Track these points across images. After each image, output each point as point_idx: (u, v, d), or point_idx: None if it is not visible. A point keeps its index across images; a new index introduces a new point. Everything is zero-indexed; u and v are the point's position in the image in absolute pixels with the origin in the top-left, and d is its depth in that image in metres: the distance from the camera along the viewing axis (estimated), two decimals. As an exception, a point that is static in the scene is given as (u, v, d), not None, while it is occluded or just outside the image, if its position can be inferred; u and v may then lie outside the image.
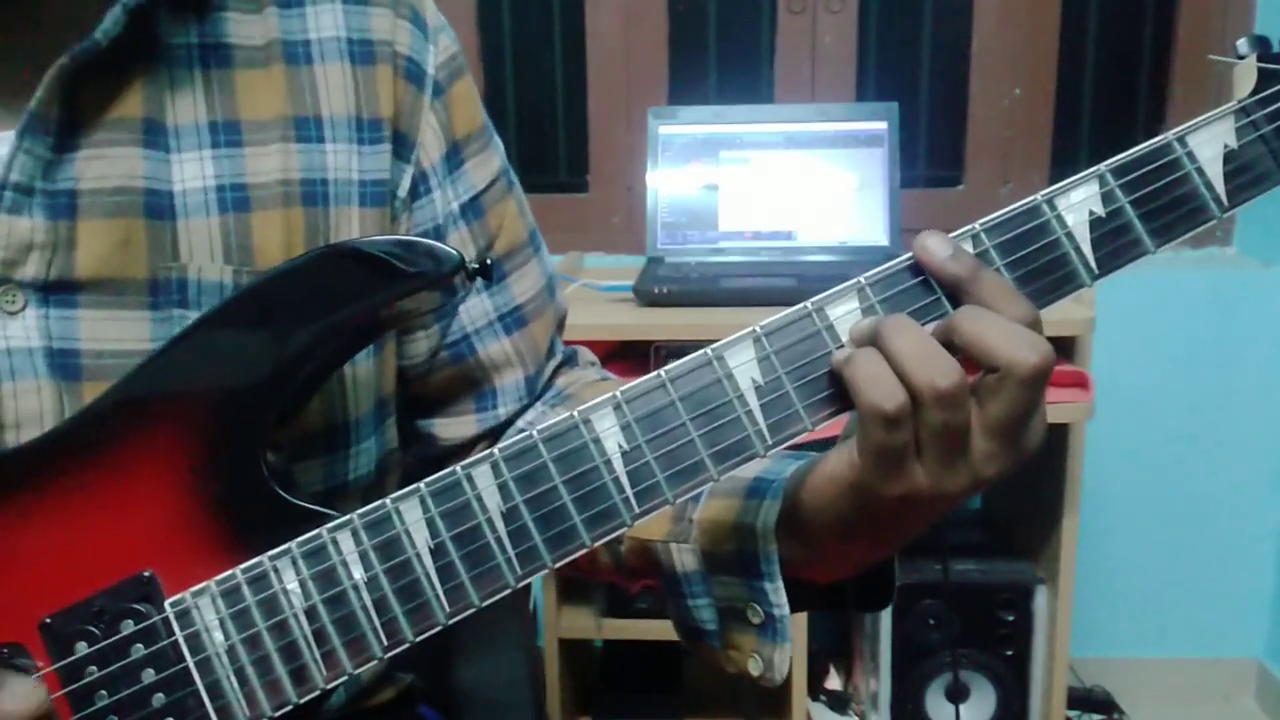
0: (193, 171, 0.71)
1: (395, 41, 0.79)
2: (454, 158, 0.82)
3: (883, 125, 2.01)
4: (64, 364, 0.69)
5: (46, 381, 0.68)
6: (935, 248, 0.60)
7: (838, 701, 2.17)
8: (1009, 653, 1.95)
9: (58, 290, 0.68)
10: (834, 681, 2.22)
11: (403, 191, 0.80)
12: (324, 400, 0.77)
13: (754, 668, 0.68)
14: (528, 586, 1.70)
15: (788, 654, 0.67)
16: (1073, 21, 2.32)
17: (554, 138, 2.41)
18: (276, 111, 0.74)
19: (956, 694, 1.94)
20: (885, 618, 1.96)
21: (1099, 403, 1.73)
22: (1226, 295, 2.27)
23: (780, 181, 2.02)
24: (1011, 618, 1.94)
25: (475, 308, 0.84)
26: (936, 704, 1.98)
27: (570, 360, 0.92)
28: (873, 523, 0.63)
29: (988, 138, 2.34)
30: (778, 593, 0.66)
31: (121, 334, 0.68)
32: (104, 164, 0.69)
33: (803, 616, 1.86)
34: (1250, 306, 2.27)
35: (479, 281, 0.81)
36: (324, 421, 0.77)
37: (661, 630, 1.90)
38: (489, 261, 0.69)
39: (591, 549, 0.61)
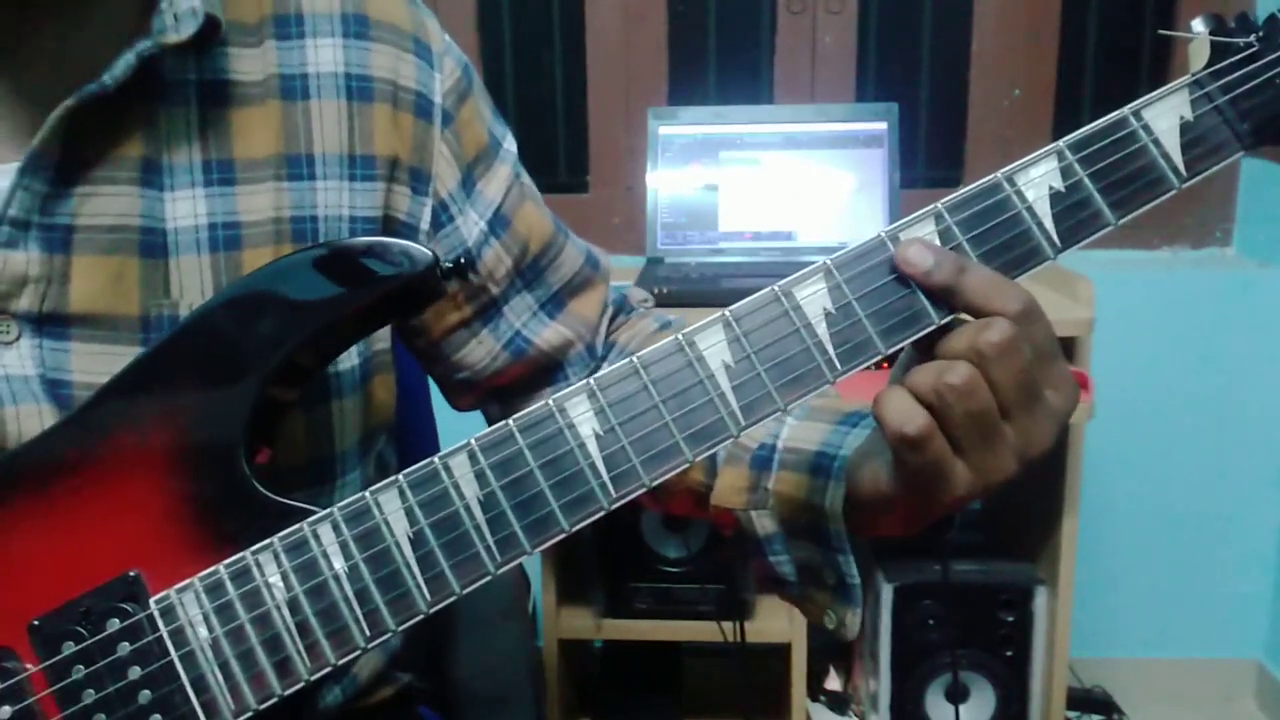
0: (185, 209, 0.71)
1: (398, 77, 0.78)
2: (468, 181, 0.82)
3: (882, 126, 2.01)
4: (56, 394, 0.69)
5: (47, 406, 0.69)
6: (916, 260, 0.61)
7: (838, 702, 2.17)
8: (1009, 653, 1.95)
9: (51, 323, 0.69)
10: (834, 682, 2.22)
11: (424, 224, 0.80)
12: (310, 433, 0.77)
13: (829, 623, 0.73)
14: (527, 586, 1.71)
15: (858, 617, 0.71)
16: (1073, 22, 2.32)
17: (554, 138, 2.41)
18: (270, 150, 0.74)
19: (956, 694, 1.94)
20: (885, 618, 1.96)
21: (1099, 404, 1.73)
22: (1226, 295, 2.27)
23: (780, 182, 2.02)
24: (1011, 618, 1.93)
25: (518, 304, 0.86)
26: (936, 704, 1.97)
27: (621, 308, 0.94)
28: (926, 516, 0.65)
29: (988, 138, 2.34)
30: (848, 564, 0.70)
31: (112, 368, 0.67)
32: (101, 201, 0.69)
33: (803, 617, 1.85)
34: (1250, 306, 2.26)
35: (518, 281, 0.85)
36: (309, 454, 0.77)
37: (661, 630, 1.90)
38: (463, 260, 0.69)
39: (570, 532, 0.62)
